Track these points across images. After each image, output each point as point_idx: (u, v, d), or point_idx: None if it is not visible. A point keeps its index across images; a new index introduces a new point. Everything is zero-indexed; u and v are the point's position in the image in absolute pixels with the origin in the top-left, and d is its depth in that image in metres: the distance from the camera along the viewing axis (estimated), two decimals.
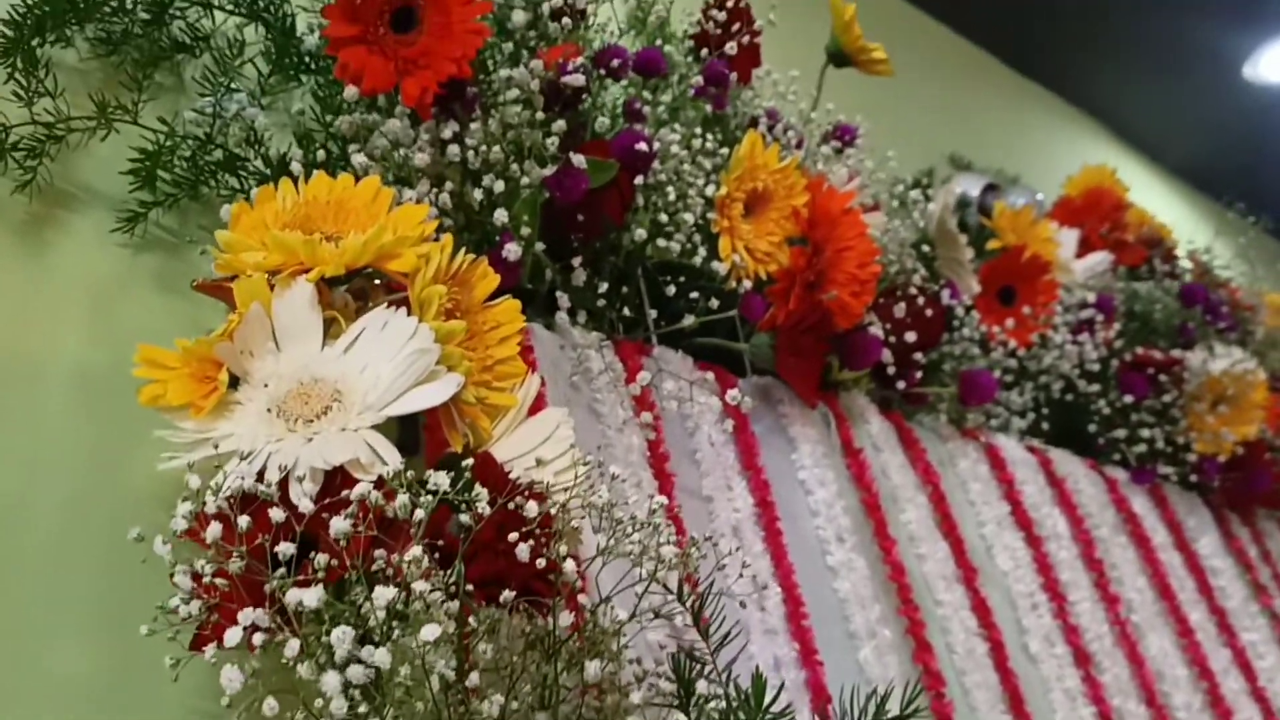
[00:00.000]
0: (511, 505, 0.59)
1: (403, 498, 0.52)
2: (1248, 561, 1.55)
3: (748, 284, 0.94)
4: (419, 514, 0.54)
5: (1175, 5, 2.36)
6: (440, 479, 0.57)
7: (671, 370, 0.95)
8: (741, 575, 0.85)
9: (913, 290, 1.10)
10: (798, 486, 1.00)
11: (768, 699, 0.60)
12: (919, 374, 1.14)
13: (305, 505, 0.52)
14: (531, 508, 0.55)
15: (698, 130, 0.98)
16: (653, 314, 0.93)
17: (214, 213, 0.79)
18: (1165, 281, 1.57)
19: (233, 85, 0.87)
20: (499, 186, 0.79)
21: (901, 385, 1.10)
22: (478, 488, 0.58)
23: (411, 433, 0.71)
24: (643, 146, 0.88)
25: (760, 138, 0.96)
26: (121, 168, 0.80)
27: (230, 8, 0.91)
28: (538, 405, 0.79)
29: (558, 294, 0.87)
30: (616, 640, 0.61)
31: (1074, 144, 2.57)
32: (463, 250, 0.70)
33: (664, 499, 0.85)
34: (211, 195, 0.85)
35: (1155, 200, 2.71)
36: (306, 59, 0.92)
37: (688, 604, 0.64)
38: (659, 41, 1.16)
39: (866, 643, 0.94)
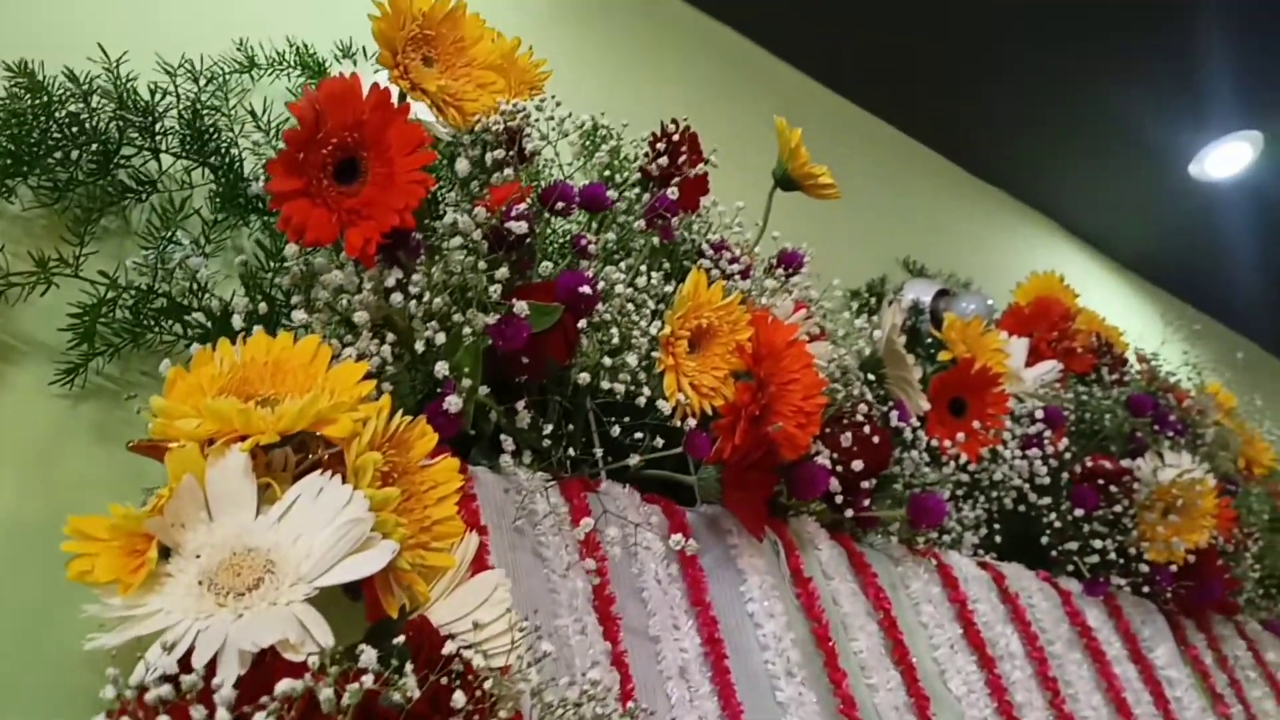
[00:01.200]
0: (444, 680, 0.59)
1: (326, 692, 0.52)
2: (1204, 669, 1.55)
3: (692, 421, 0.95)
4: (346, 700, 0.53)
5: (1122, 104, 2.43)
6: (369, 657, 0.57)
7: (619, 505, 0.95)
8: None
9: (859, 418, 1.11)
10: (747, 619, 1.00)
11: None
12: (868, 497, 1.14)
13: (222, 715, 0.51)
14: (459, 698, 0.55)
15: (643, 268, 0.99)
16: (598, 451, 0.93)
17: (157, 359, 0.79)
18: (1113, 390, 1.59)
19: (176, 234, 0.87)
20: (440, 338, 0.80)
21: (850, 513, 1.10)
22: (408, 664, 0.58)
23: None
24: (586, 289, 0.89)
25: (704, 275, 0.98)
26: (62, 320, 0.80)
27: (178, 151, 0.92)
28: (480, 558, 0.80)
29: (502, 436, 0.87)
30: None
31: (1027, 241, 2.61)
32: (400, 412, 0.70)
33: (613, 664, 0.85)
34: (154, 340, 0.85)
35: (1107, 295, 2.76)
36: (255, 200, 0.93)
37: None
38: (607, 173, 1.18)
39: None
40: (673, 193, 1.03)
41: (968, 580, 1.28)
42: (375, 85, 0.84)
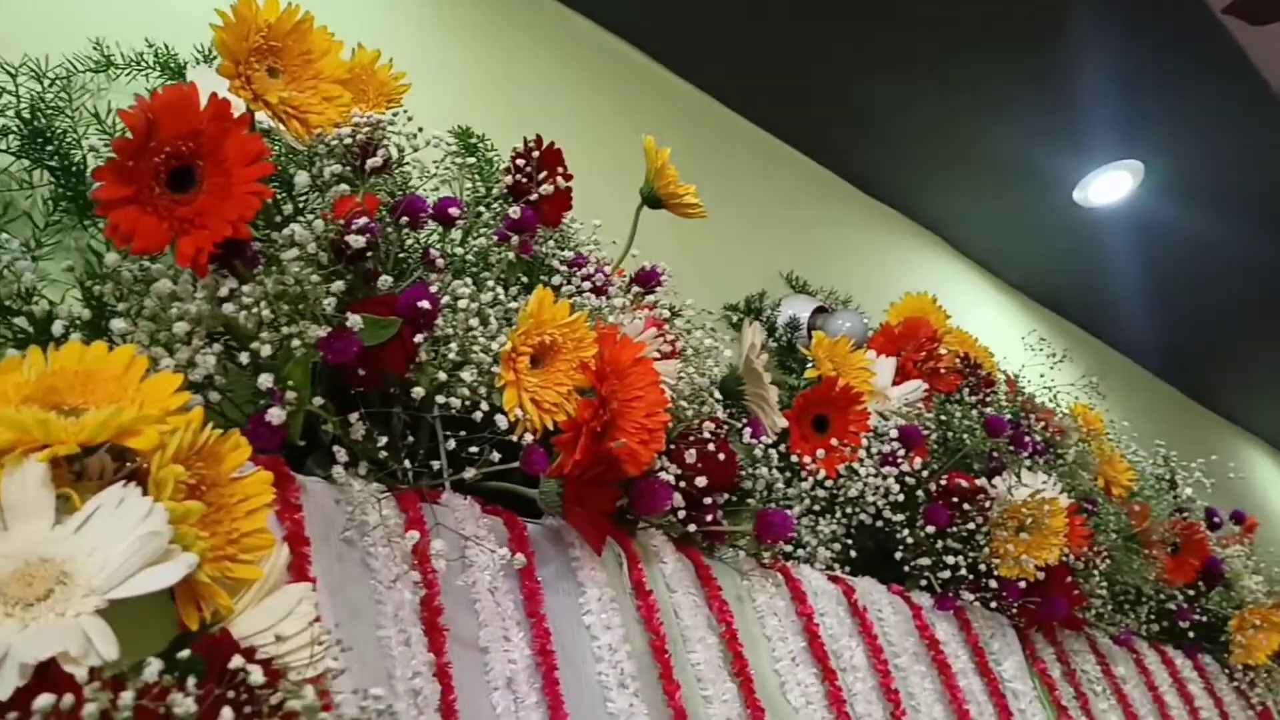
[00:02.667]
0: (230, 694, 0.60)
1: (90, 707, 0.52)
2: (1050, 683, 1.61)
3: (530, 436, 0.96)
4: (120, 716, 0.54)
5: (1008, 131, 2.50)
6: (153, 670, 0.58)
7: (458, 517, 0.96)
8: None
9: (705, 435, 1.13)
10: (584, 631, 1.02)
11: None
12: (719, 511, 1.17)
13: None
14: (226, 714, 0.56)
15: (490, 283, 1.00)
16: (437, 464, 0.94)
17: None
18: (973, 411, 1.64)
19: (3, 235, 0.86)
20: (266, 350, 0.80)
21: (693, 528, 1.12)
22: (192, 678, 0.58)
23: None
24: (425, 304, 0.90)
25: (549, 292, 1.00)
26: None
27: (15, 151, 0.91)
28: (301, 569, 0.80)
29: (335, 448, 0.88)
30: None
31: (917, 260, 2.68)
32: (209, 425, 0.71)
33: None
34: None
35: (994, 315, 2.84)
36: (94, 204, 0.92)
37: None
38: (472, 185, 1.20)
39: None
40: (514, 212, 1.04)
41: (817, 594, 1.31)
42: (214, 95, 0.84)
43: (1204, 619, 2.06)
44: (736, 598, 1.21)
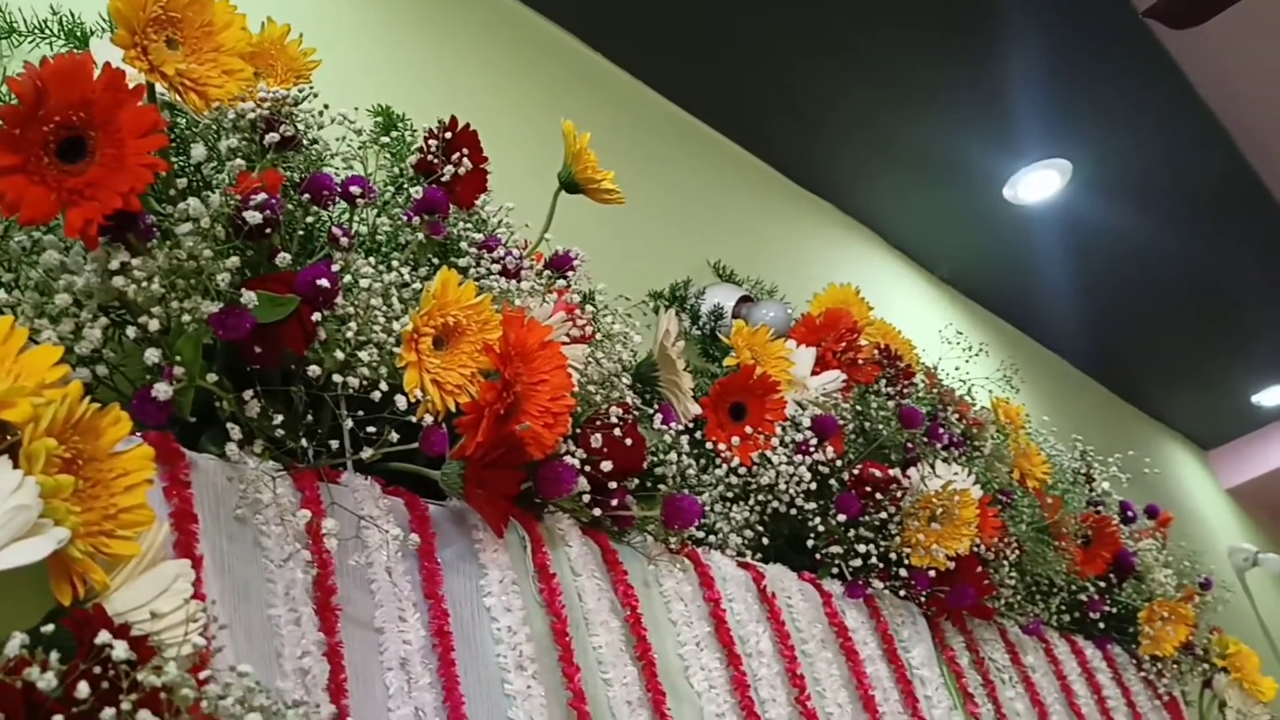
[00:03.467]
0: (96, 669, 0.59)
1: None
2: (958, 670, 1.64)
3: (429, 418, 0.96)
4: None
5: (942, 125, 2.53)
6: (14, 645, 0.57)
7: (357, 498, 0.96)
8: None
9: (612, 419, 1.13)
10: (484, 613, 1.02)
11: None
12: (628, 496, 1.17)
13: None
14: (82, 689, 0.55)
15: (395, 263, 1.00)
16: (336, 443, 0.94)
17: None
18: (889, 403, 1.66)
19: None
20: (153, 325, 0.79)
21: (599, 511, 1.13)
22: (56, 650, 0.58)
23: None
24: (324, 282, 0.90)
25: (454, 273, 0.99)
26: None
27: None
28: (188, 546, 0.80)
29: (229, 425, 0.87)
30: None
31: (849, 253, 2.70)
32: (87, 399, 0.70)
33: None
34: None
35: (924, 309, 2.87)
36: None
37: None
38: (385, 164, 1.19)
39: None
40: (416, 192, 1.03)
41: (725, 580, 1.32)
42: (108, 65, 0.83)
43: (1114, 611, 2.11)
44: (643, 582, 1.22)
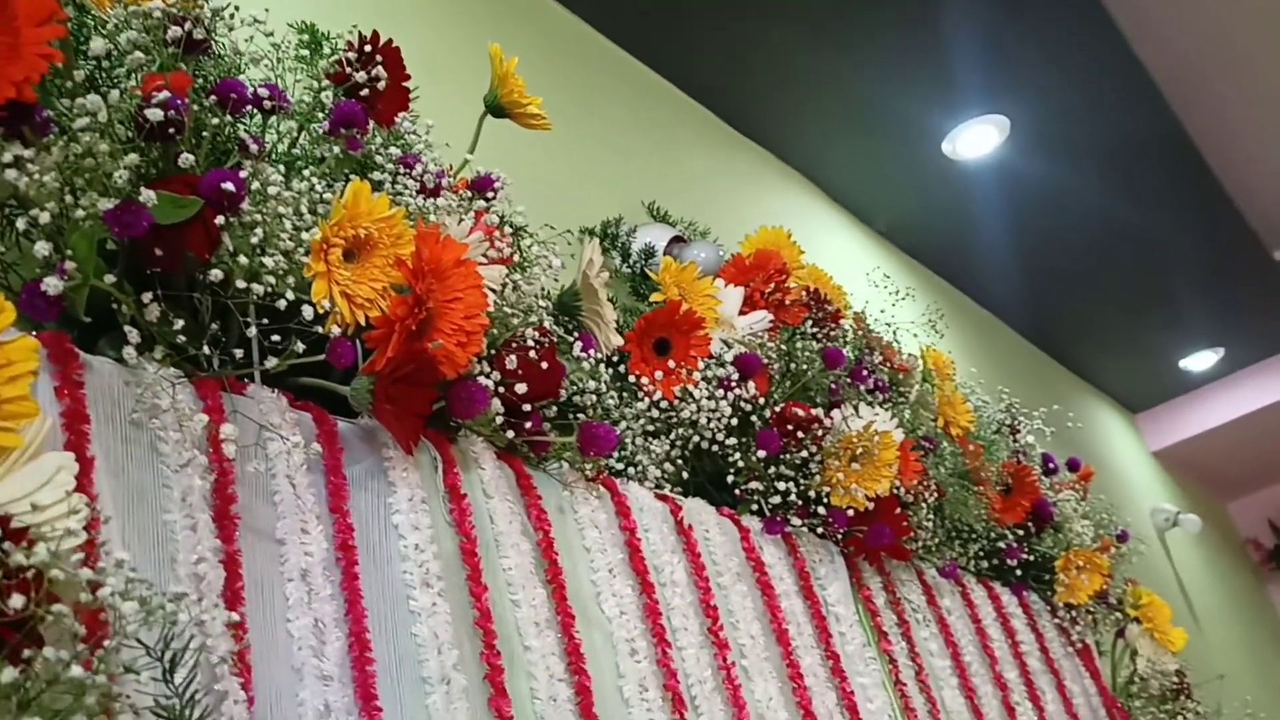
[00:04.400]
0: None
1: None
2: (874, 609, 1.66)
3: (336, 330, 0.95)
4: None
5: (882, 79, 2.54)
6: None
7: (263, 409, 0.95)
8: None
9: (529, 343, 1.13)
10: (391, 530, 1.01)
11: None
12: (544, 422, 1.17)
13: None
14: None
15: (306, 172, 0.98)
16: (240, 352, 0.92)
17: None
18: (813, 344, 1.67)
19: None
20: (44, 218, 0.77)
21: (512, 434, 1.12)
22: None
23: None
24: (229, 186, 0.88)
25: (365, 185, 0.98)
26: None
27: None
28: (80, 447, 0.78)
29: (127, 328, 0.85)
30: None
31: (784, 200, 2.70)
32: None
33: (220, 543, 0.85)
34: None
35: (864, 260, 2.88)
36: None
37: (160, 657, 0.64)
38: (306, 79, 1.16)
39: (438, 688, 0.95)
40: (327, 97, 1.01)
41: (642, 510, 1.33)
42: None
43: (1032, 559, 2.15)
44: (558, 509, 1.22)
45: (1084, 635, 2.27)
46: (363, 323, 0.98)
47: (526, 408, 1.11)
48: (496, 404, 1.09)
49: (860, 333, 1.92)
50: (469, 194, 1.18)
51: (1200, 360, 4.22)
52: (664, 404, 1.44)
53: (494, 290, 1.10)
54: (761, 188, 2.64)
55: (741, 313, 1.69)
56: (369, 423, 1.06)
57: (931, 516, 1.77)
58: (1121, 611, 2.40)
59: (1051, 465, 2.35)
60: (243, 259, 0.89)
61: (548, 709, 1.04)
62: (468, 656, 1.00)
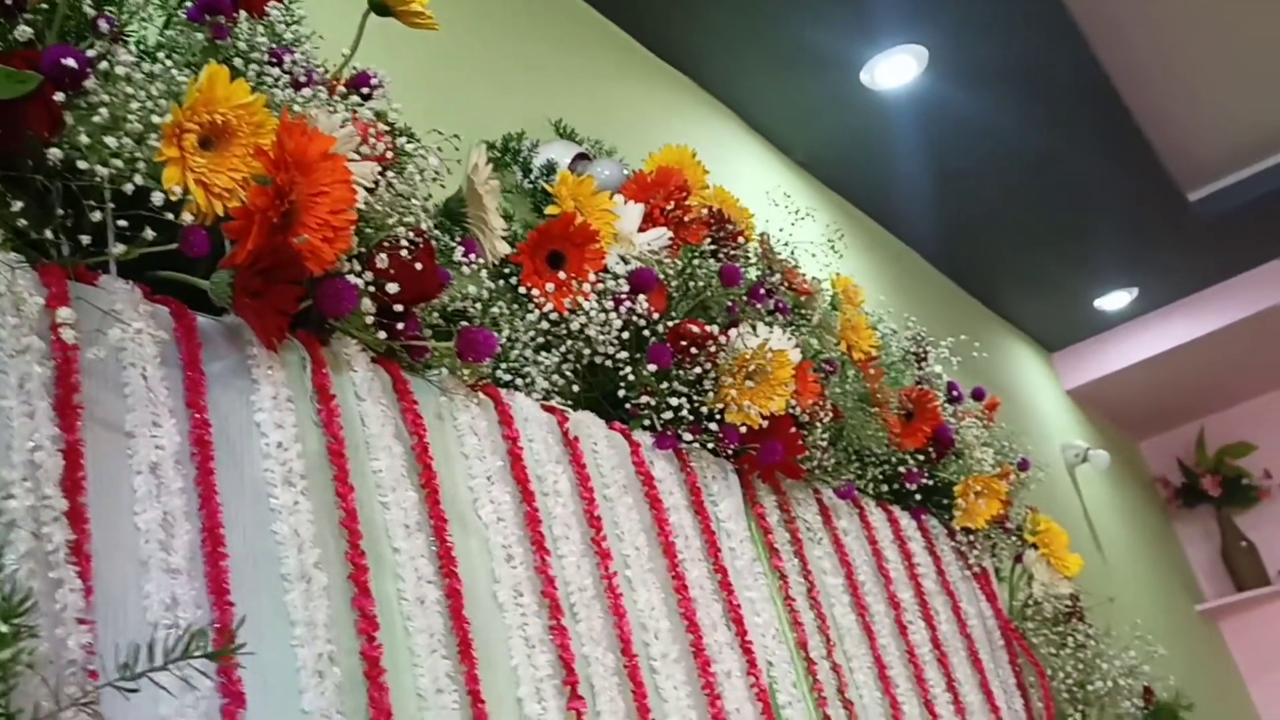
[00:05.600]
0: None
1: None
2: (767, 527, 1.68)
3: (189, 217, 0.92)
4: None
5: (799, 4, 2.51)
6: None
7: (115, 301, 0.92)
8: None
9: (403, 243, 1.10)
10: (253, 428, 1.00)
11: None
12: (419, 326, 1.15)
13: None
14: None
15: (160, 55, 0.94)
16: (95, 244, 0.89)
17: None
18: (711, 261, 1.66)
19: None
20: None
21: (384, 335, 1.10)
22: None
23: None
24: (71, 62, 0.84)
25: (223, 69, 0.94)
26: None
27: None
28: None
29: None
30: None
31: (699, 125, 2.67)
32: None
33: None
34: None
35: (779, 184, 2.87)
36: None
37: None
38: None
39: (296, 585, 0.94)
40: None
41: (527, 420, 1.32)
42: None
43: (933, 484, 2.18)
44: (436, 415, 1.21)
45: (981, 559, 2.31)
46: (221, 213, 0.95)
47: (399, 309, 1.09)
48: (368, 304, 1.07)
49: (764, 254, 1.92)
50: (345, 90, 1.14)
51: (1114, 300, 4.28)
52: (554, 316, 1.42)
53: (366, 188, 1.08)
54: (678, 113, 2.62)
55: (641, 230, 1.68)
56: (234, 320, 1.03)
57: (826, 436, 1.78)
58: (1020, 538, 2.45)
59: (956, 393, 2.37)
60: (84, 138, 0.85)
61: (415, 610, 1.04)
62: (331, 556, 0.99)
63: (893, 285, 3.23)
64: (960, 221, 3.47)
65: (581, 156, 1.87)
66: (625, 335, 1.46)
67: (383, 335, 1.10)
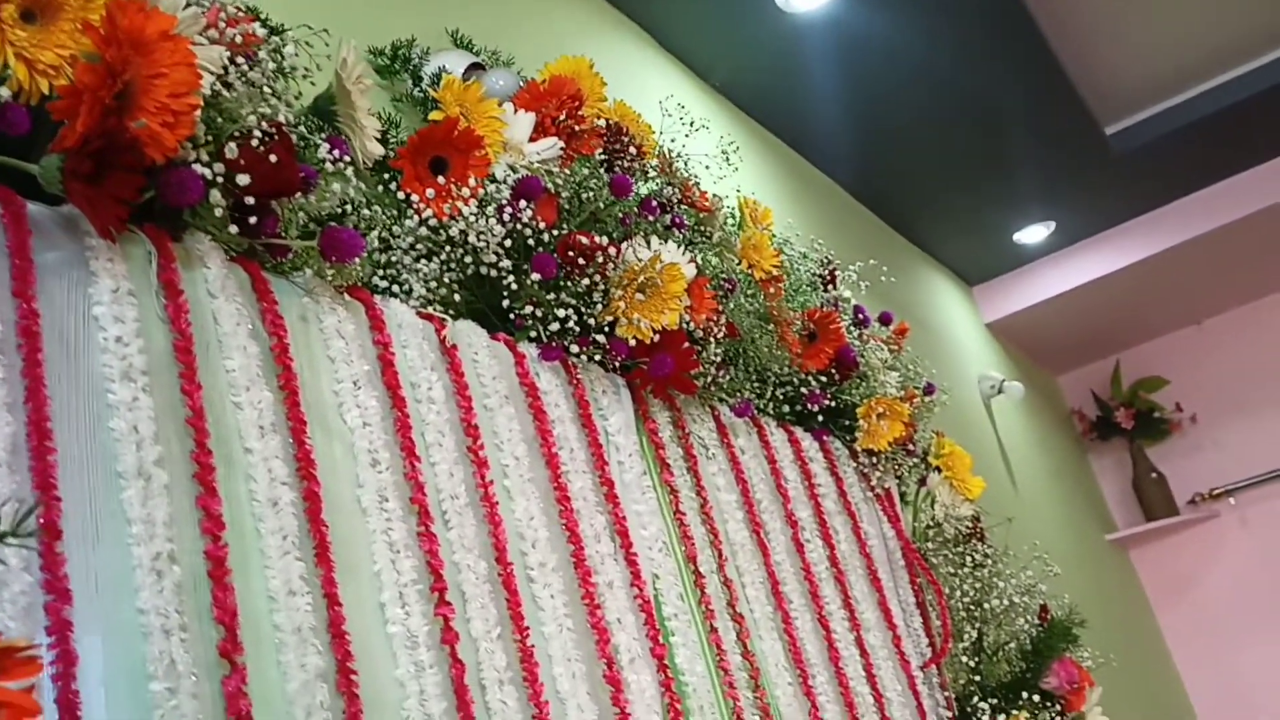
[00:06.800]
0: None
1: None
2: (659, 442, 1.67)
3: (7, 94, 0.87)
4: None
5: None
6: None
7: None
8: None
9: (256, 134, 1.06)
10: (92, 322, 0.95)
11: None
12: (270, 220, 1.11)
13: None
14: None
15: None
16: None
17: None
18: (601, 170, 1.63)
19: None
20: None
21: (236, 230, 1.06)
22: None
23: None
24: None
25: None
26: None
27: None
28: None
29: None
30: None
31: (616, 48, 2.62)
32: None
33: None
34: None
35: (698, 112, 2.83)
36: None
37: None
38: None
39: (134, 483, 0.91)
40: None
41: (401, 327, 1.29)
42: None
43: (836, 406, 2.18)
44: (300, 317, 1.17)
45: (885, 481, 2.33)
46: (47, 92, 0.90)
47: (253, 202, 1.05)
48: (217, 196, 1.02)
49: (663, 170, 1.88)
50: None
51: (1032, 234, 4.31)
52: (434, 223, 1.38)
53: (213, 73, 1.03)
54: (590, 32, 2.56)
55: (533, 140, 1.64)
56: (73, 211, 0.98)
57: (720, 353, 1.76)
58: (926, 461, 2.47)
59: (862, 316, 2.37)
60: None
61: (267, 511, 1.01)
62: (175, 455, 0.96)
63: (815, 217, 3.22)
64: (879, 151, 3.45)
65: (476, 66, 1.82)
66: (509, 244, 1.43)
67: (235, 230, 1.06)
